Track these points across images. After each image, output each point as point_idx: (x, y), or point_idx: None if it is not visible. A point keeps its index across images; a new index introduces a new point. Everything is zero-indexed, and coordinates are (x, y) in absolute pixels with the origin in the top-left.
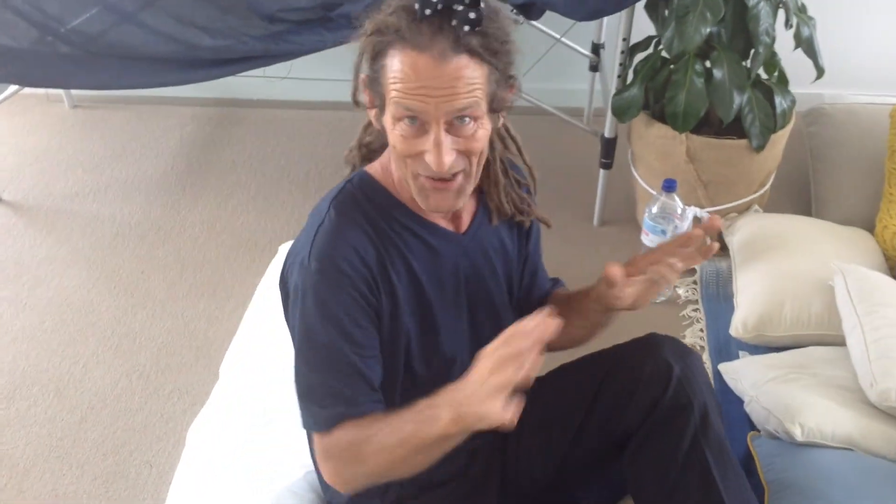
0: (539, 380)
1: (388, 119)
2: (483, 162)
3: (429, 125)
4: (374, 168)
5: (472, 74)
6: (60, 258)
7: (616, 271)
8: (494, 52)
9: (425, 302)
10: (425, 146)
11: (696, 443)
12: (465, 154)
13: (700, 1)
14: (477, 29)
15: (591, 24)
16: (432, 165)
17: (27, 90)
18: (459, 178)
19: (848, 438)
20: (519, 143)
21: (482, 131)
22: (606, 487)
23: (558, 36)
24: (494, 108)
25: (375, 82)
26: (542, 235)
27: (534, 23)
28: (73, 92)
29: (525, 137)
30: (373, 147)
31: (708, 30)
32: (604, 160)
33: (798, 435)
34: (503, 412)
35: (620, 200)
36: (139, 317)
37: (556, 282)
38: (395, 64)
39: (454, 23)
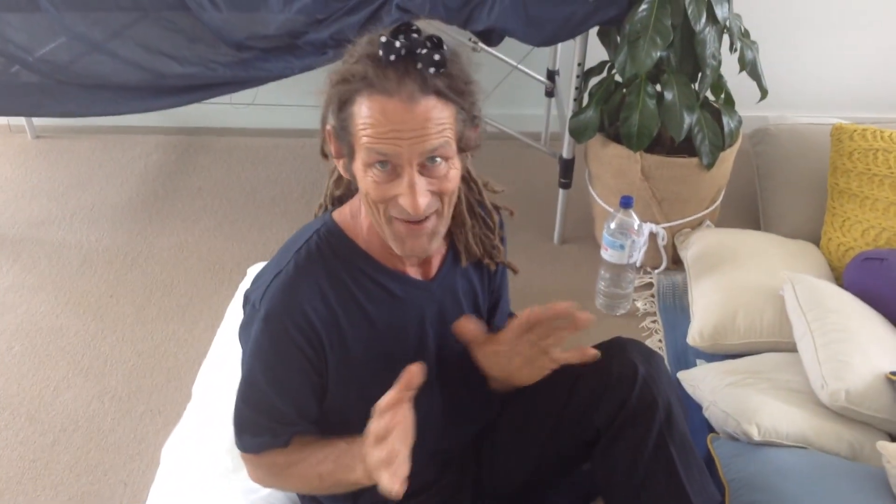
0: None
1: (358, 166)
2: (454, 202)
3: (401, 168)
4: (342, 214)
5: (440, 115)
6: (28, 285)
7: (466, 325)
8: (460, 93)
9: (383, 350)
10: (399, 190)
11: (662, 439)
12: (439, 195)
13: (650, 27)
14: (442, 70)
15: (546, 52)
16: (407, 208)
17: None
18: (433, 219)
19: (802, 437)
20: (480, 185)
21: (454, 171)
22: (578, 487)
23: (515, 63)
24: (462, 148)
25: (344, 131)
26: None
27: (491, 50)
28: (36, 122)
29: (486, 162)
30: (344, 200)
31: (658, 54)
32: (563, 180)
33: (755, 435)
34: (391, 484)
35: (579, 219)
36: (109, 340)
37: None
38: (364, 110)
39: (419, 66)
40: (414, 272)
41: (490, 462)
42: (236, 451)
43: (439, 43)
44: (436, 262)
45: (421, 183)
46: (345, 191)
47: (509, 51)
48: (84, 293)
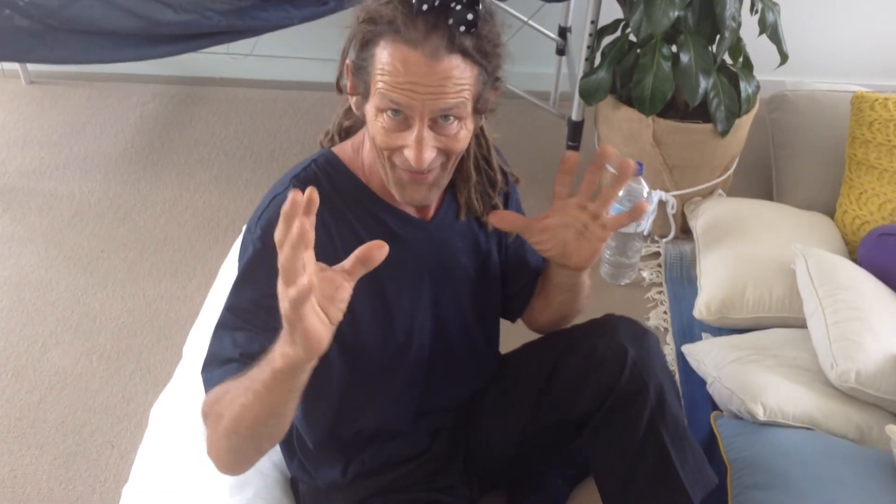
0: (503, 357)
1: (370, 109)
2: (459, 158)
3: (412, 120)
4: (343, 149)
5: (461, 75)
6: (17, 236)
7: (503, 218)
8: (486, 55)
9: (378, 286)
10: (406, 141)
11: (653, 426)
12: (445, 153)
13: None
14: (473, 30)
15: (559, 8)
16: (411, 161)
17: None
18: (436, 171)
19: (809, 418)
20: (490, 143)
21: (464, 132)
22: (572, 466)
23: (525, 18)
24: (479, 110)
25: (362, 70)
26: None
27: (501, 4)
28: (30, 67)
29: (492, 121)
30: (352, 132)
31: (676, 13)
32: (570, 143)
33: (760, 414)
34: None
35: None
36: (99, 296)
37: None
38: (385, 56)
39: (450, 21)
40: (411, 211)
41: (477, 435)
42: None
43: (476, 1)
44: (433, 207)
45: (429, 138)
46: (354, 122)
47: (520, 5)
48: (75, 246)
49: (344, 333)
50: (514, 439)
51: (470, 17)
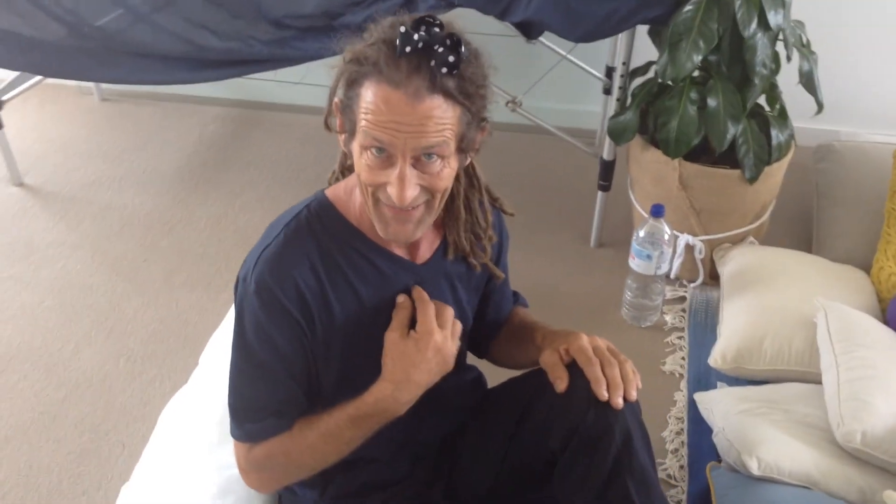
0: (490, 390)
1: (356, 146)
2: (446, 198)
3: (395, 158)
4: (335, 191)
5: (443, 115)
6: (69, 242)
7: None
8: (469, 95)
9: (367, 330)
10: (389, 178)
11: (618, 470)
12: (429, 190)
13: (694, 29)
14: (455, 72)
15: (606, 47)
16: (394, 198)
17: (59, 81)
18: (420, 209)
19: (806, 476)
20: (483, 183)
21: (448, 170)
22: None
23: (564, 53)
24: (463, 149)
25: (348, 108)
26: (538, 252)
27: (543, 40)
28: (103, 86)
29: (532, 156)
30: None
31: (700, 58)
32: (602, 182)
33: (754, 468)
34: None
35: (619, 224)
36: (134, 303)
37: (517, 297)
38: (369, 95)
39: (432, 63)
40: (402, 252)
41: (459, 464)
42: (225, 423)
43: (457, 43)
44: (425, 247)
45: (412, 176)
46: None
47: (565, 43)
48: (120, 255)
49: (336, 366)
50: (492, 472)
51: (451, 59)
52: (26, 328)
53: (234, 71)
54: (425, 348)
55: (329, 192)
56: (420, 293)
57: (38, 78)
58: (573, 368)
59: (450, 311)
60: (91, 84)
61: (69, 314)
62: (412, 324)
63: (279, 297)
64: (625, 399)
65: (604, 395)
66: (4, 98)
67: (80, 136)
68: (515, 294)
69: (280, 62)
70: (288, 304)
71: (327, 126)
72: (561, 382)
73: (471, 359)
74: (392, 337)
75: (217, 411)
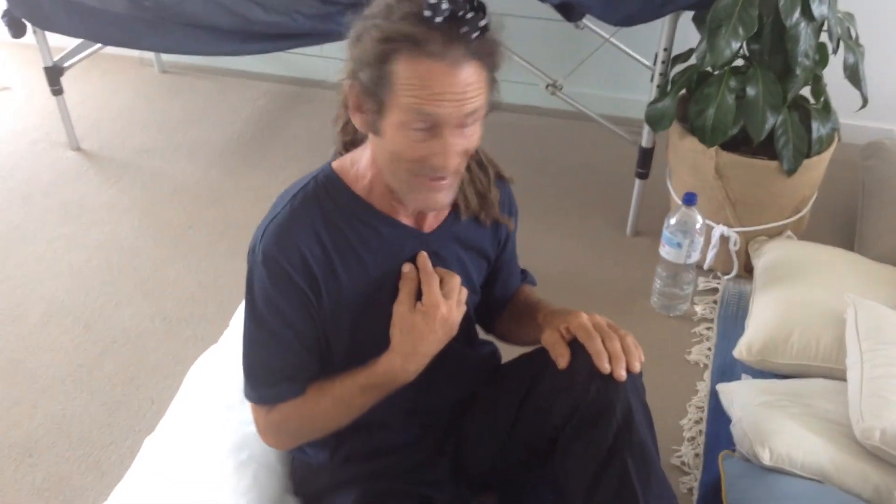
0: (501, 365)
1: (390, 124)
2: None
3: (441, 129)
4: (342, 163)
5: (479, 79)
6: (120, 206)
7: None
8: (494, 57)
9: (374, 298)
10: (433, 149)
11: (618, 447)
12: (464, 154)
13: (734, 15)
14: (486, 35)
15: (656, 35)
16: (442, 167)
17: (121, 51)
18: (451, 174)
19: (820, 470)
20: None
21: (478, 132)
22: (552, 485)
23: (607, 36)
24: (490, 109)
25: (378, 87)
26: (572, 238)
27: (588, 24)
28: (164, 58)
29: (572, 142)
30: (357, 144)
31: (739, 45)
32: (639, 170)
33: (765, 458)
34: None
35: (657, 213)
36: (177, 267)
37: (525, 275)
38: (409, 72)
39: (464, 30)
40: (409, 221)
41: (466, 434)
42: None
43: (482, 6)
44: (433, 215)
45: (457, 143)
46: (353, 137)
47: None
48: (166, 221)
49: (345, 335)
50: (498, 444)
51: (482, 22)
52: (72, 285)
53: (279, 44)
54: (432, 321)
55: (335, 165)
56: (425, 263)
57: (98, 46)
58: (575, 346)
59: (456, 279)
60: (151, 56)
61: (113, 274)
62: (419, 294)
63: (285, 267)
64: (628, 371)
65: (606, 367)
66: (66, 65)
67: (137, 106)
68: (524, 272)
69: (323, 37)
70: (294, 274)
71: (347, 109)
72: (562, 359)
73: (484, 335)
74: (400, 310)
75: (241, 372)
